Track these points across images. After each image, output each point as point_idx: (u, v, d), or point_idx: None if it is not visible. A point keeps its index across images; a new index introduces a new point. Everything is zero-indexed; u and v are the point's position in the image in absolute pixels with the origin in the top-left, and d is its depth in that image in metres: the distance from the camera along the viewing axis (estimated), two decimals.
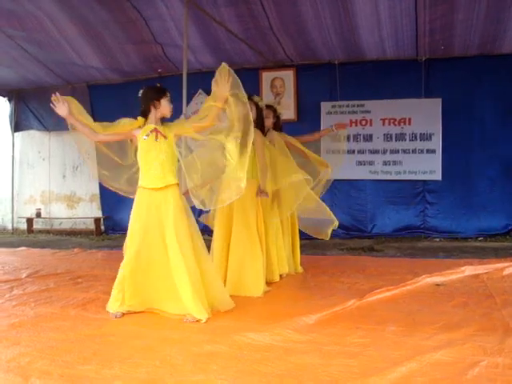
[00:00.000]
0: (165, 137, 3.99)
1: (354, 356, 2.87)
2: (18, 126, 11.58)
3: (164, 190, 3.97)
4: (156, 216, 3.95)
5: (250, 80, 9.12)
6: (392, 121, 8.74)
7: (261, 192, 4.80)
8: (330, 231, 5.17)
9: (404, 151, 8.69)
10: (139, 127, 4.06)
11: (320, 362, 2.80)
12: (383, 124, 8.79)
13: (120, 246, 8.41)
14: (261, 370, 2.68)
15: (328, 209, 5.08)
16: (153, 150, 3.97)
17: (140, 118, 4.09)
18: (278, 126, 5.66)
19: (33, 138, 11.77)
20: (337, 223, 5.05)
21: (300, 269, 5.82)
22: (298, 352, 2.97)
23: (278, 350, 3.04)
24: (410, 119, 8.64)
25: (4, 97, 11.66)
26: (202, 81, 9.33)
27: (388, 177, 8.82)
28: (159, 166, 3.96)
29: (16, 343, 3.25)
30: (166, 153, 3.98)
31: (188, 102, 7.58)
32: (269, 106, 5.48)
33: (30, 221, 11.27)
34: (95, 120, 4.18)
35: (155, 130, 3.99)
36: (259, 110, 5.01)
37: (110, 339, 3.29)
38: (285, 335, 3.30)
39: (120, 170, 4.34)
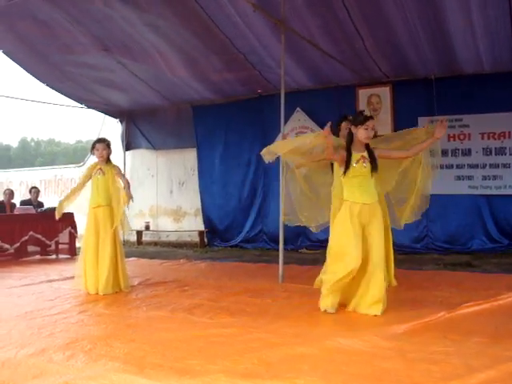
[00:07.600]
0: (104, 173, 5.80)
1: (436, 363, 3.04)
2: (128, 145, 12.52)
3: (100, 208, 5.76)
4: (96, 224, 5.75)
5: (346, 97, 9.38)
6: (491, 135, 8.65)
7: None
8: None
9: (504, 165, 8.56)
10: (95, 167, 5.91)
11: (403, 366, 3.00)
12: (482, 138, 8.72)
13: (222, 258, 8.94)
14: (347, 371, 2.92)
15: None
16: (97, 182, 5.83)
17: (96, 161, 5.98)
18: None
19: (142, 156, 12.63)
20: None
21: (394, 282, 5.87)
22: (384, 357, 3.18)
23: (364, 354, 3.26)
24: (509, 133, 8.51)
25: (116, 118, 12.61)
26: (299, 100, 9.71)
27: (488, 191, 8.70)
28: (99, 193, 5.79)
29: (131, 340, 3.69)
30: (104, 184, 5.78)
31: (286, 120, 7.92)
32: None
33: (139, 233, 12.06)
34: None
35: (100, 169, 5.84)
36: None
37: (214, 340, 3.65)
38: (373, 342, 3.51)
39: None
